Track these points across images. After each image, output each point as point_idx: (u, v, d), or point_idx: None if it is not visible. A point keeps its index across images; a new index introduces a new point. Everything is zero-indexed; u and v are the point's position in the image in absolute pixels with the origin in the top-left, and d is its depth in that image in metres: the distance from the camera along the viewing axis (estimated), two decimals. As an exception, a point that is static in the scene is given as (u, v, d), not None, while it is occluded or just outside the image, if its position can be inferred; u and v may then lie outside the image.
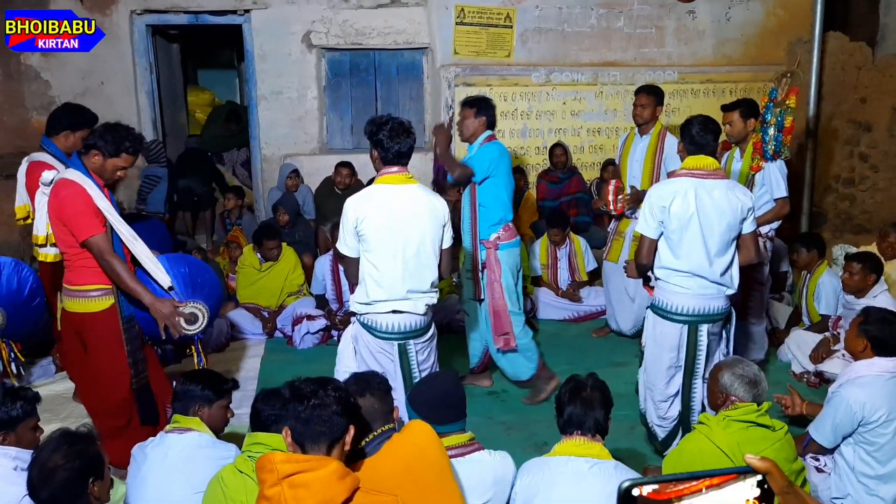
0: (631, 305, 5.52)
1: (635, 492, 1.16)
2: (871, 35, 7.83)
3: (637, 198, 5.16)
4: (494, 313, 4.50)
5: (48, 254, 3.63)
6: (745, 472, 1.21)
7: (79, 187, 3.40)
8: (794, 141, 4.86)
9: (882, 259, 5.34)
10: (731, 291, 3.64)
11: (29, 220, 4.32)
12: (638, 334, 5.59)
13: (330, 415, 2.19)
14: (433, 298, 3.58)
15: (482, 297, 4.54)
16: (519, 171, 7.26)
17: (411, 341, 3.55)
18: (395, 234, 3.42)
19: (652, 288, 3.83)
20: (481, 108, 4.56)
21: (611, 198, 5.28)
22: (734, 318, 3.84)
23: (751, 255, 3.68)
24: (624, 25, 7.41)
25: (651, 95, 5.21)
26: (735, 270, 3.65)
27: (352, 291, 3.66)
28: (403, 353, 3.54)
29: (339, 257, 3.70)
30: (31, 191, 4.21)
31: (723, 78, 7.60)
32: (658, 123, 5.24)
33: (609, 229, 5.70)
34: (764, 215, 4.67)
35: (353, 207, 3.44)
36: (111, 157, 3.47)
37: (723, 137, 6.61)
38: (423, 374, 3.60)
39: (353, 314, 3.65)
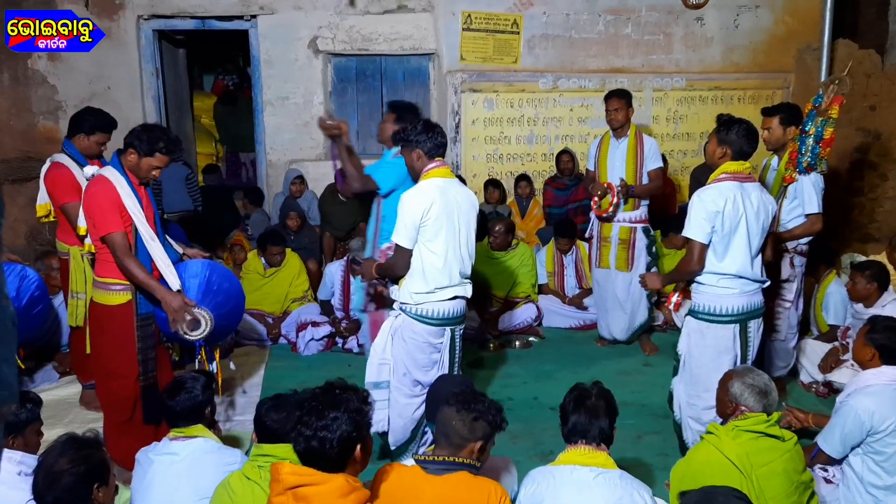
0: (622, 312, 5.50)
1: None
2: (880, 42, 7.80)
3: (627, 190, 5.20)
4: (374, 323, 4.43)
5: (92, 245, 3.76)
6: None
7: (109, 184, 3.55)
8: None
9: (892, 268, 5.32)
10: (766, 284, 3.74)
11: (50, 218, 4.53)
12: (633, 338, 5.62)
13: (335, 441, 2.16)
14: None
15: (369, 308, 4.48)
16: (525, 178, 7.26)
17: (458, 327, 3.77)
18: (452, 223, 3.63)
19: (677, 303, 3.87)
20: (402, 117, 4.35)
21: (614, 200, 5.24)
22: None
23: (768, 254, 3.83)
24: (632, 32, 7.40)
25: (622, 99, 5.26)
26: (762, 266, 3.75)
27: (395, 283, 3.76)
28: (452, 340, 3.75)
29: (394, 252, 3.71)
30: (50, 190, 4.39)
31: (731, 85, 7.58)
32: (632, 126, 5.31)
33: (588, 235, 5.65)
34: (794, 230, 4.43)
35: (417, 200, 3.58)
36: (145, 157, 3.61)
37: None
38: (457, 364, 3.82)
39: (401, 306, 3.70)
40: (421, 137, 3.65)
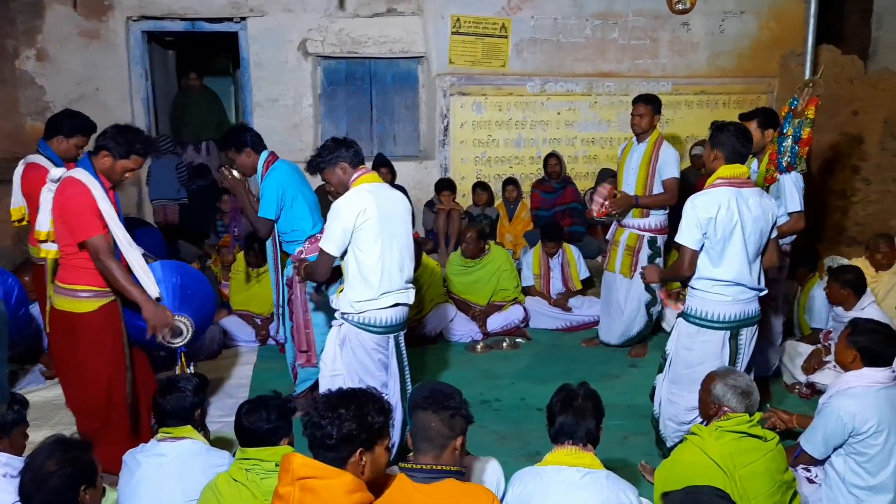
0: (620, 317, 5.49)
1: None
2: (863, 48, 7.89)
3: (626, 202, 5.15)
4: (296, 329, 4.42)
5: (50, 250, 3.63)
6: None
7: (84, 187, 3.43)
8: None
9: (874, 270, 5.37)
10: (763, 293, 3.72)
11: (24, 223, 4.37)
12: (626, 345, 5.62)
13: (334, 433, 2.23)
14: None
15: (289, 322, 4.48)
16: (512, 182, 7.29)
17: (401, 333, 3.76)
18: (389, 227, 3.61)
19: (675, 301, 3.85)
20: (240, 143, 4.33)
21: (600, 200, 5.22)
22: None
23: (773, 259, 3.78)
24: (619, 36, 7.45)
25: (648, 104, 5.20)
26: (762, 273, 3.72)
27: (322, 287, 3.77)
28: (397, 346, 3.73)
29: (319, 258, 3.72)
30: (26, 193, 4.26)
31: (716, 89, 7.65)
32: (655, 132, 5.23)
33: (607, 238, 5.67)
34: (778, 228, 4.58)
35: (351, 205, 3.56)
36: (121, 159, 3.52)
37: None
38: (406, 368, 3.84)
39: (343, 315, 3.67)
40: (339, 153, 3.66)
